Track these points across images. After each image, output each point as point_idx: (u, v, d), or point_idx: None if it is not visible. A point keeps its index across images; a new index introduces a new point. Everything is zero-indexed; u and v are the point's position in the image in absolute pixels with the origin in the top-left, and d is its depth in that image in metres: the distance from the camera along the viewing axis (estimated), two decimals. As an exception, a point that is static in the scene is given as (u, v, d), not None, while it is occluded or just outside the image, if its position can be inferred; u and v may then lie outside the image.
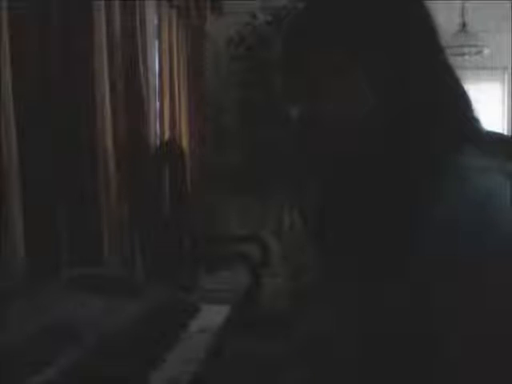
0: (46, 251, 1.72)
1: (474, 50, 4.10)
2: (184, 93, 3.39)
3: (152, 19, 2.84)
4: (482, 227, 0.72)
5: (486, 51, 4.15)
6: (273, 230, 3.80)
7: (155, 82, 2.94)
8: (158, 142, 2.91)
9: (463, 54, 4.02)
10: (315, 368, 0.93)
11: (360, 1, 0.83)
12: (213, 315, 1.56)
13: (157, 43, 3.00)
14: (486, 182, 0.75)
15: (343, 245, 0.88)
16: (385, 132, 0.80)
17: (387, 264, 0.78)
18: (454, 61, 0.86)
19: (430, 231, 0.74)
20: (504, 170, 0.76)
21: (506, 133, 4.45)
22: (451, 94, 0.83)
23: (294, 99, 0.87)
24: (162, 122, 3.03)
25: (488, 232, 0.71)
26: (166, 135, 3.06)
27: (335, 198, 0.90)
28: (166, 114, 3.08)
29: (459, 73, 0.85)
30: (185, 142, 3.37)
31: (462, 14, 4.12)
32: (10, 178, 1.58)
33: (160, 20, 3.05)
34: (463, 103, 0.84)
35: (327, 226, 0.92)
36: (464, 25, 4.12)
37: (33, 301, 1.30)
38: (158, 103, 2.99)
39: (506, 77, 4.93)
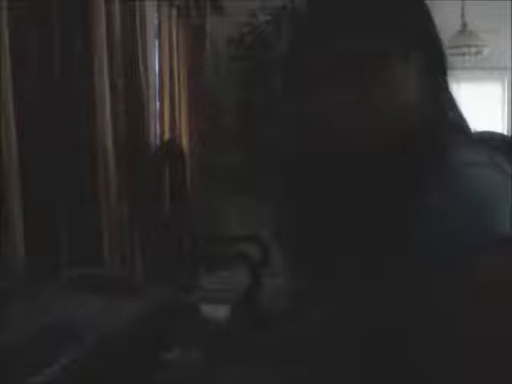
0: (46, 251, 1.72)
1: (473, 50, 4.10)
2: (184, 93, 3.39)
3: (152, 19, 2.84)
4: (480, 226, 0.72)
5: (486, 51, 4.15)
6: (273, 230, 3.79)
7: (155, 81, 2.93)
8: (157, 142, 2.91)
9: (463, 54, 4.02)
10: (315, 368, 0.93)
11: (361, 1, 0.83)
12: (213, 315, 1.56)
13: (157, 43, 3.00)
14: (484, 179, 0.75)
15: (343, 244, 0.88)
16: (383, 132, 0.80)
17: (387, 264, 0.78)
18: (454, 61, 0.87)
19: (429, 231, 0.74)
20: (501, 167, 0.77)
21: (505, 133, 4.45)
22: (439, 90, 0.84)
23: (294, 99, 0.87)
24: (161, 122, 3.03)
25: (487, 230, 0.72)
26: (166, 135, 3.06)
27: (334, 197, 0.90)
28: (166, 114, 3.08)
29: (459, 73, 0.86)
30: (185, 142, 3.37)
31: (462, 14, 4.12)
32: (10, 178, 1.58)
33: (160, 20, 3.05)
34: (450, 98, 0.85)
35: (327, 225, 0.93)
36: (464, 25, 4.12)
37: (33, 301, 1.30)
38: (157, 103, 2.99)
39: (506, 77, 4.93)
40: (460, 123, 0.85)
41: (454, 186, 0.75)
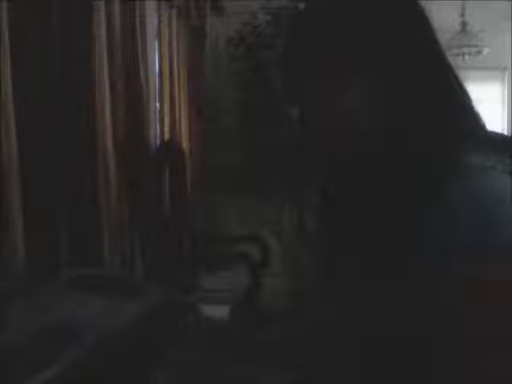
0: (46, 251, 1.72)
1: (474, 49, 4.11)
2: (184, 93, 3.39)
3: (152, 19, 2.84)
4: (483, 227, 0.72)
5: (486, 51, 4.16)
6: (273, 230, 3.80)
7: (155, 82, 2.93)
8: (158, 142, 2.91)
9: (463, 54, 4.03)
10: (315, 368, 0.93)
11: (360, 1, 0.83)
12: (213, 315, 1.56)
13: (157, 43, 3.00)
14: (487, 180, 0.75)
15: (344, 245, 0.88)
16: (385, 132, 0.80)
17: (388, 264, 0.78)
18: (454, 61, 0.86)
19: (431, 231, 0.74)
20: (505, 169, 0.76)
21: (505, 133, 4.45)
22: (451, 93, 0.83)
23: (294, 99, 0.87)
24: (162, 122, 3.03)
25: (490, 231, 0.71)
26: (166, 135, 3.06)
27: (335, 198, 0.90)
28: (166, 114, 3.08)
29: (459, 73, 0.85)
30: (185, 142, 3.37)
31: (462, 14, 4.12)
32: (10, 178, 1.58)
33: (160, 20, 3.05)
34: (464, 101, 0.84)
35: (327, 226, 0.93)
36: (464, 25, 4.12)
37: (33, 301, 1.30)
38: (158, 103, 2.99)
39: (506, 77, 4.94)
40: (472, 124, 0.84)
41: (464, 190, 0.74)
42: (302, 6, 0.89)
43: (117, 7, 2.29)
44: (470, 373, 0.72)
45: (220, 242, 3.51)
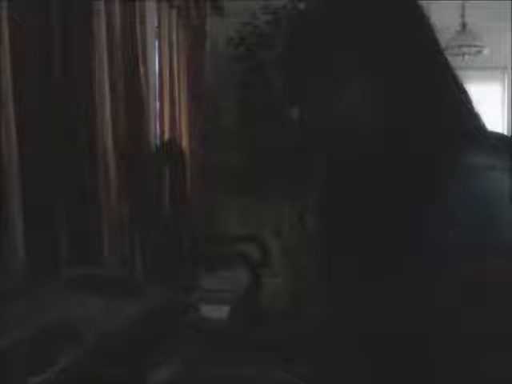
0: (46, 251, 1.72)
1: (473, 50, 4.11)
2: (184, 93, 3.39)
3: (152, 19, 2.84)
4: (483, 226, 0.72)
5: (486, 51, 4.16)
6: (273, 230, 3.80)
7: (155, 82, 2.94)
8: (158, 142, 2.91)
9: (463, 54, 4.03)
10: (315, 368, 0.93)
11: (360, 1, 0.83)
12: (213, 315, 1.56)
13: (157, 43, 3.00)
14: (488, 180, 0.75)
15: (343, 245, 0.88)
16: (385, 132, 0.80)
17: (387, 264, 0.78)
18: (454, 61, 0.86)
19: (431, 231, 0.74)
20: (506, 169, 0.76)
21: (505, 133, 4.45)
22: (451, 93, 0.83)
23: (294, 99, 0.87)
24: (161, 122, 3.03)
25: (489, 231, 0.71)
26: (166, 135, 3.06)
27: (335, 198, 0.90)
28: (166, 114, 3.08)
29: (459, 73, 0.86)
30: (185, 142, 3.37)
31: (462, 14, 4.12)
32: (10, 178, 1.58)
33: (160, 20, 3.05)
34: (463, 101, 0.84)
35: (327, 226, 0.93)
36: (464, 25, 4.12)
37: (32, 301, 1.30)
38: (157, 103, 2.99)
39: (506, 77, 4.93)
40: (472, 124, 0.84)
41: (464, 190, 0.74)
42: (301, 5, 0.89)
43: (117, 7, 2.29)
44: (469, 373, 0.72)
45: (220, 242, 3.51)
